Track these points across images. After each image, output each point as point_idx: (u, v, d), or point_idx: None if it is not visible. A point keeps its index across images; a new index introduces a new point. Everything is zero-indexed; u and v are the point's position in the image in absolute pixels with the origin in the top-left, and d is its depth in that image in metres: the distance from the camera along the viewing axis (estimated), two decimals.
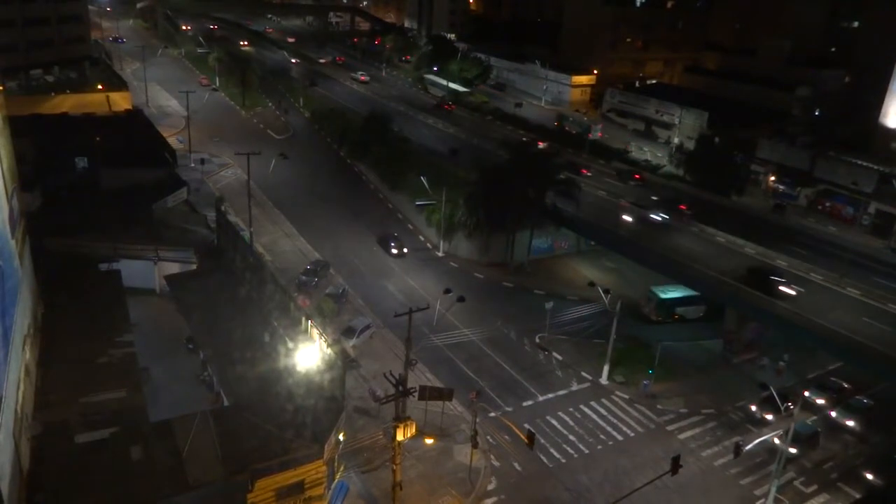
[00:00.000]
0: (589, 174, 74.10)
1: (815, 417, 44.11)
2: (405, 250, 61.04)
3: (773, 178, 79.67)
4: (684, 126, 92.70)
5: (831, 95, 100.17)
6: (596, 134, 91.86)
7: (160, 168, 60.55)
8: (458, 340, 49.39)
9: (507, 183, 57.41)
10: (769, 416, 43.23)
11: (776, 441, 39.21)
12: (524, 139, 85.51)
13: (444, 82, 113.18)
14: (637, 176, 73.96)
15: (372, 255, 61.27)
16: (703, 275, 51.39)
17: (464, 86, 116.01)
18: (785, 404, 43.37)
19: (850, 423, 43.88)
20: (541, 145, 78.67)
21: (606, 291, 47.13)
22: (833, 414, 44.57)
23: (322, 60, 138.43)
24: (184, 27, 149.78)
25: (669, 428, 42.60)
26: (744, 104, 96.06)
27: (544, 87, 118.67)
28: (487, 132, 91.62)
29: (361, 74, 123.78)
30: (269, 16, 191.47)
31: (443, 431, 39.18)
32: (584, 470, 38.24)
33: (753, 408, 44.53)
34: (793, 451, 39.08)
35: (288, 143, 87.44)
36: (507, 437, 40.13)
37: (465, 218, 60.61)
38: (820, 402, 45.42)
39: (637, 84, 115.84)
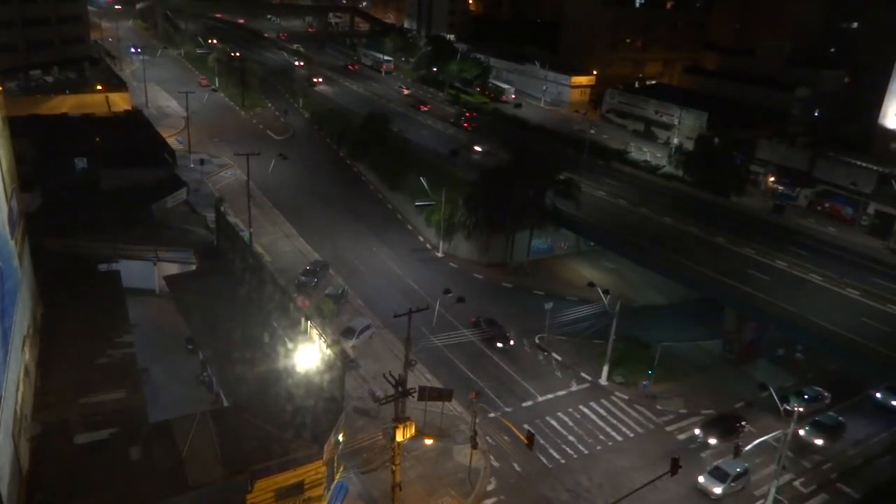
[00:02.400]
0: (426, 109, 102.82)
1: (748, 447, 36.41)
2: (512, 343, 49.73)
3: (772, 179, 79.63)
4: (684, 126, 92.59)
5: (831, 95, 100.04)
6: (510, 97, 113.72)
7: (160, 169, 60.58)
8: (458, 341, 49.38)
9: (507, 182, 57.40)
10: (712, 441, 41.01)
11: (700, 479, 37.36)
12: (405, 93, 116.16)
13: (375, 54, 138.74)
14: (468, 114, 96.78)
15: (371, 255, 61.26)
16: (703, 275, 51.38)
17: (465, 85, 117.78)
18: (739, 423, 41.97)
19: (819, 442, 41.69)
20: (405, 91, 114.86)
21: (606, 292, 47.09)
22: (801, 433, 41.36)
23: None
24: (213, 41, 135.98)
25: (669, 428, 42.59)
26: (743, 104, 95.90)
27: (544, 87, 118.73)
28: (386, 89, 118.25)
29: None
30: (269, 16, 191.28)
31: (442, 432, 39.17)
32: (584, 470, 38.25)
33: (697, 431, 41.72)
34: (717, 491, 36.60)
35: (287, 144, 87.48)
36: (506, 437, 40.14)
37: (465, 218, 60.59)
38: (799, 410, 43.99)
39: (637, 84, 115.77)
